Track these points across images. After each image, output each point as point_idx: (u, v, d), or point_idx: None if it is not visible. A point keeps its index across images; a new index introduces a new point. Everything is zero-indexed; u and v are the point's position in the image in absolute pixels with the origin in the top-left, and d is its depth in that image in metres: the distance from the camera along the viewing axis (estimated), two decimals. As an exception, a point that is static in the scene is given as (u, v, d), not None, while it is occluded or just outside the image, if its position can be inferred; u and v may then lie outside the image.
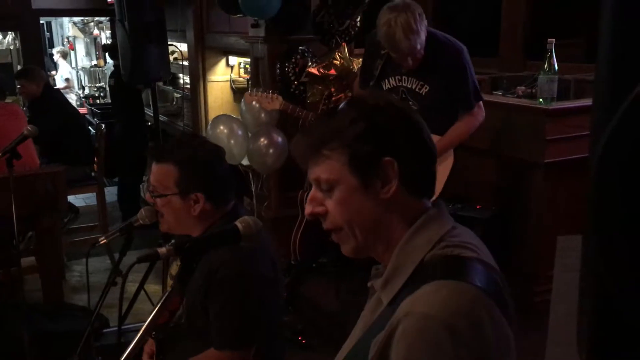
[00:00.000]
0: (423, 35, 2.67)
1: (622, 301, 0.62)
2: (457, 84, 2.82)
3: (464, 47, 2.84)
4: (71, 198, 5.04)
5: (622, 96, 0.59)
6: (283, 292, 1.95)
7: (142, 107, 5.82)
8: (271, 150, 3.77)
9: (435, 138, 2.92)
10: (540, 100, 3.07)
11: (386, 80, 2.94)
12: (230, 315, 1.74)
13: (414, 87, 2.86)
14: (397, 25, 2.60)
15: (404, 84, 2.88)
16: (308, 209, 1.15)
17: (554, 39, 2.99)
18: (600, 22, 0.65)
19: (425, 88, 2.84)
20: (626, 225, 0.60)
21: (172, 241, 1.55)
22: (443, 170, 2.91)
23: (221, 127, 3.85)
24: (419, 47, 2.68)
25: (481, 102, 2.90)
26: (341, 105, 1.14)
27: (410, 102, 2.85)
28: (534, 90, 3.36)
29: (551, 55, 2.97)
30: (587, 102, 3.13)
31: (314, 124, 1.20)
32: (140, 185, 5.80)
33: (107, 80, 6.29)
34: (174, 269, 1.96)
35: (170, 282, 2.03)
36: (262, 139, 3.76)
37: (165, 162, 1.82)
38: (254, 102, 3.42)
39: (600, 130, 0.63)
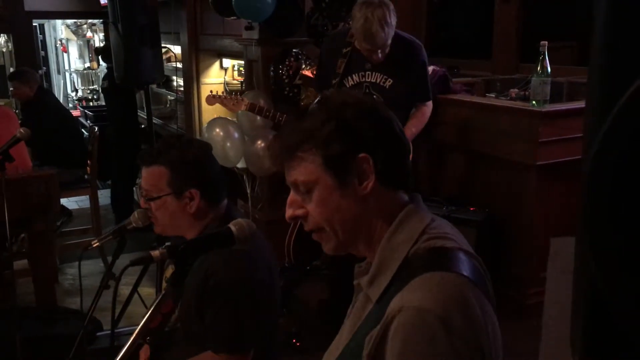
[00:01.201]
0: (393, 30, 2.83)
1: (615, 303, 0.63)
2: (419, 78, 3.03)
3: (422, 45, 3.07)
4: (64, 201, 5.03)
5: (615, 98, 0.59)
6: (279, 296, 1.94)
7: (135, 110, 5.80)
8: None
9: None
10: (534, 102, 3.08)
11: (349, 78, 3.04)
12: (227, 319, 1.73)
13: (378, 81, 2.99)
14: (374, 18, 2.74)
15: (367, 79, 3.01)
16: (288, 212, 1.15)
17: (546, 42, 3.01)
18: (593, 24, 0.66)
19: (389, 82, 2.98)
20: (619, 227, 0.60)
21: (167, 244, 1.54)
22: None
23: (217, 130, 3.84)
24: (389, 41, 2.84)
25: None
26: (312, 106, 1.14)
27: (375, 96, 2.95)
28: (527, 93, 3.38)
29: (544, 58, 2.99)
30: (580, 104, 3.14)
31: (286, 126, 1.19)
32: (134, 188, 5.78)
33: (100, 82, 6.27)
34: (170, 272, 1.95)
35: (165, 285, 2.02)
36: (259, 142, 3.76)
37: (155, 165, 1.82)
38: (217, 104, 3.51)
39: (593, 133, 0.63)
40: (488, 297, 1.06)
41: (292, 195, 1.15)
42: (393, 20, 2.80)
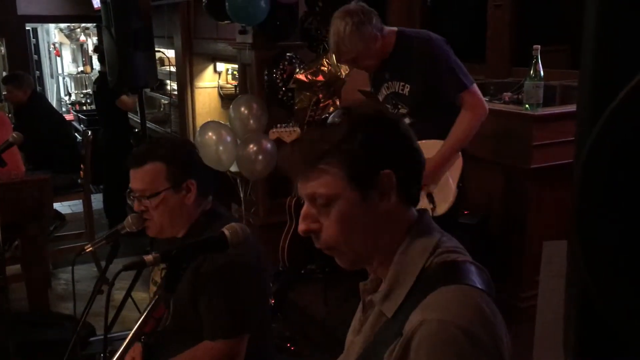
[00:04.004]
0: (358, 45, 2.61)
1: (606, 306, 0.63)
2: (433, 74, 2.63)
3: (437, 37, 2.69)
4: (57, 205, 5.00)
5: (606, 102, 0.60)
6: (270, 281, 1.97)
7: (125, 113, 5.79)
8: (260, 157, 3.77)
9: (437, 144, 2.64)
10: (527, 106, 3.09)
11: (380, 91, 2.87)
12: (221, 304, 1.75)
13: (397, 90, 2.77)
14: (332, 31, 2.64)
15: (390, 90, 2.81)
16: (302, 226, 1.12)
17: (539, 46, 3.02)
18: (584, 29, 0.66)
19: (407, 87, 2.73)
20: (610, 230, 0.60)
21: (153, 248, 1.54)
22: (454, 175, 2.70)
23: (209, 134, 3.84)
24: (352, 55, 2.65)
25: (473, 90, 2.65)
26: (331, 116, 1.13)
27: (400, 106, 2.76)
28: (520, 97, 3.38)
29: (537, 62, 2.99)
30: (573, 107, 3.15)
31: (306, 137, 1.17)
32: (126, 194, 5.75)
33: (93, 85, 6.25)
34: (157, 275, 1.95)
35: (153, 288, 2.01)
36: (251, 146, 3.76)
37: (149, 163, 1.83)
38: (277, 136, 3.56)
39: (584, 136, 0.63)
40: (498, 307, 1.07)
41: (306, 208, 1.12)
42: (353, 33, 2.58)
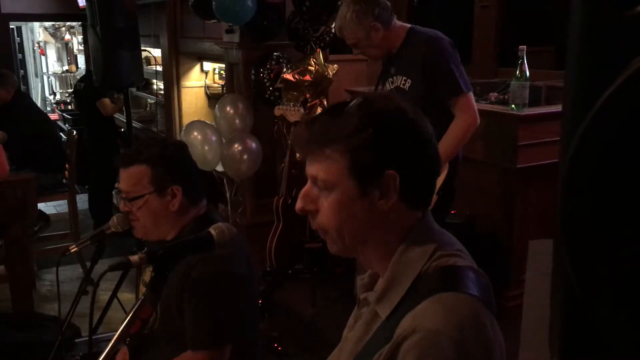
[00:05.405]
0: (357, 32, 2.68)
1: (592, 305, 0.63)
2: (432, 72, 2.64)
3: (445, 38, 2.70)
4: (42, 205, 4.95)
5: (591, 102, 0.60)
6: (258, 292, 1.95)
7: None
8: (245, 157, 3.76)
9: None
10: (513, 106, 3.11)
11: (385, 85, 2.87)
12: (206, 314, 1.73)
13: (399, 84, 2.75)
14: (339, 15, 2.73)
15: (394, 85, 2.79)
16: (299, 204, 1.11)
17: (525, 47, 3.04)
18: (570, 29, 0.66)
19: (408, 82, 2.72)
20: (595, 230, 0.61)
21: (145, 249, 1.53)
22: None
23: (195, 133, 3.83)
24: (353, 41, 2.74)
25: (467, 96, 2.64)
26: (351, 103, 1.09)
27: None
28: (506, 97, 3.40)
29: (523, 62, 3.01)
30: (559, 108, 3.17)
31: (320, 119, 1.12)
32: (113, 192, 5.72)
33: (76, 84, 6.17)
34: (147, 275, 1.94)
35: (143, 289, 2.00)
36: (236, 145, 3.75)
37: (135, 164, 1.81)
38: (281, 113, 3.68)
39: (569, 136, 0.64)
40: (494, 313, 1.06)
41: (307, 187, 1.11)
42: (355, 21, 2.64)
